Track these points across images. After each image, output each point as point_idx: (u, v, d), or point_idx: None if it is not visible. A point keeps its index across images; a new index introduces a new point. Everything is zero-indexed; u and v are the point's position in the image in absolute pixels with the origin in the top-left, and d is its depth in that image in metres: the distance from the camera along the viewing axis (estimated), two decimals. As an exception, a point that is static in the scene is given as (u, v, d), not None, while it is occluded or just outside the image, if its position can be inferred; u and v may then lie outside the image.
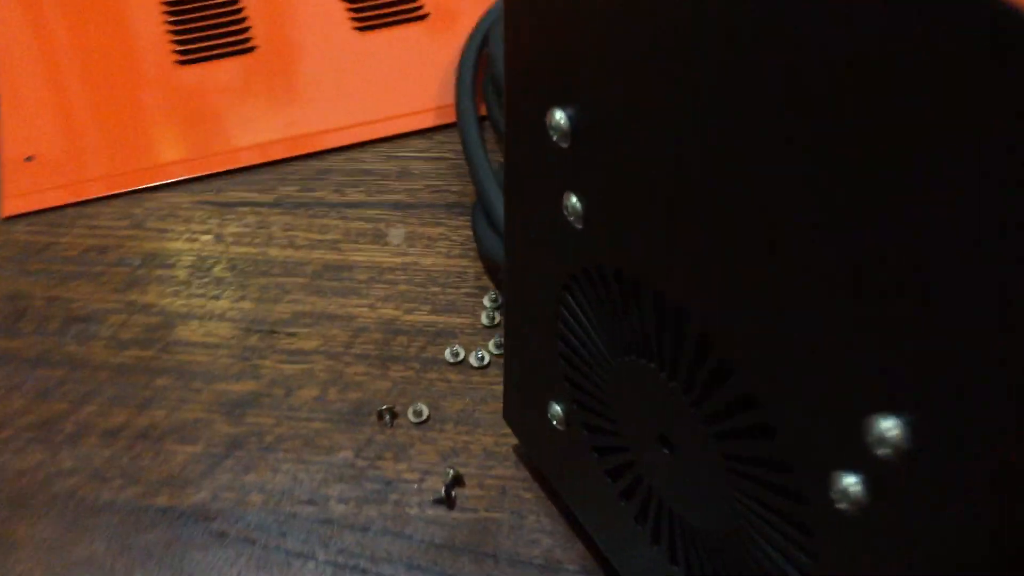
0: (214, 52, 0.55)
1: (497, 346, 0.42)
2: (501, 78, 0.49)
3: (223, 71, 0.54)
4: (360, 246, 0.46)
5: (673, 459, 0.27)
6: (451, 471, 0.38)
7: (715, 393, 0.24)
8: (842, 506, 0.21)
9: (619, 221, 0.25)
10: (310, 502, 0.38)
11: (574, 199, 0.26)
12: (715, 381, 0.24)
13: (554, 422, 0.33)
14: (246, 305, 0.44)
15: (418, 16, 0.57)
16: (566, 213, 0.27)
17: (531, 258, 0.30)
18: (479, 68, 0.52)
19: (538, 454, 0.37)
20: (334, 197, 0.49)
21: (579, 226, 0.27)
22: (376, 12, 0.57)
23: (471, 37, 0.53)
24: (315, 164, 0.50)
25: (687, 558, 0.29)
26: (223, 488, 0.38)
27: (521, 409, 0.36)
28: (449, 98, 0.52)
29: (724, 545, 0.27)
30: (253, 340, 0.43)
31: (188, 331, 0.43)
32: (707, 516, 0.27)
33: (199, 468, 0.39)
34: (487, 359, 0.42)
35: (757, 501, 0.24)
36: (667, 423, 0.27)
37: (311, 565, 0.36)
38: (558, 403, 0.33)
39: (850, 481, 0.21)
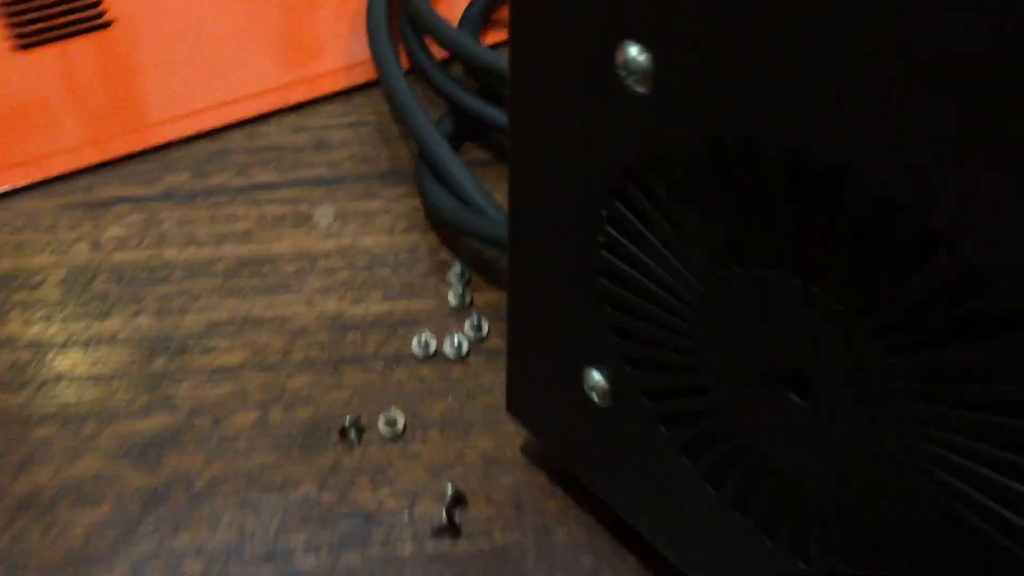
0: (62, 32, 0.45)
1: (474, 327, 0.34)
2: (423, 14, 0.41)
3: (75, 52, 0.44)
4: (280, 232, 0.38)
5: (812, 408, 0.19)
6: (449, 488, 0.30)
7: (912, 280, 0.16)
8: None
9: (723, 67, 0.17)
10: (268, 557, 0.29)
11: (634, 51, 0.19)
12: (912, 265, 0.16)
13: (593, 396, 0.25)
14: (144, 321, 0.35)
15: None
16: (623, 74, 0.19)
17: (555, 162, 0.22)
18: (392, 13, 0.43)
19: (564, 448, 0.28)
20: (238, 180, 0.39)
21: (643, 89, 0.19)
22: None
23: (377, -18, 0.44)
24: (207, 146, 0.41)
25: (825, 551, 0.21)
26: (146, 558, 0.29)
27: (537, 392, 0.28)
28: (362, 54, 0.44)
29: (907, 520, 0.19)
30: (159, 363, 0.33)
31: (69, 363, 0.34)
32: (879, 482, 0.19)
33: (110, 536, 0.29)
34: (466, 346, 0.34)
35: (992, 437, 0.17)
36: (804, 355, 0.19)
37: (284, 642, 0.27)
38: (599, 370, 0.25)
39: None
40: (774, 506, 0.22)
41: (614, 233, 0.21)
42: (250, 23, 0.46)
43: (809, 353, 0.19)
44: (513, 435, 0.31)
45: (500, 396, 0.32)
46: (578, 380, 0.25)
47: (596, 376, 0.25)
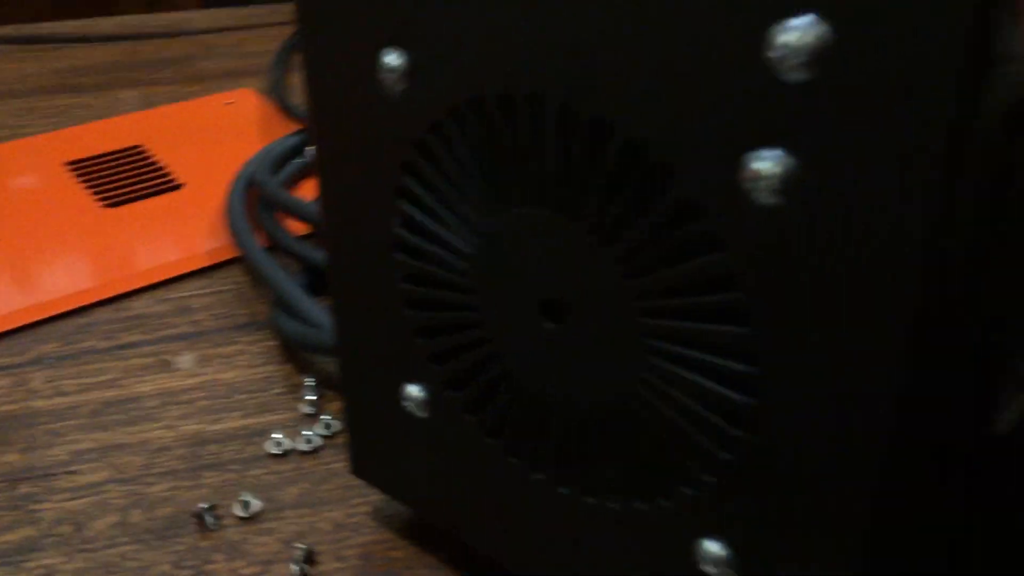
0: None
1: (326, 427, 0.38)
2: (275, 198, 0.48)
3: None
4: (144, 378, 0.41)
5: (565, 331, 0.24)
6: (300, 547, 0.32)
7: (647, 207, 0.22)
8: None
9: (478, 33, 0.24)
10: (126, 627, 0.30)
11: (391, 58, 0.25)
12: (645, 195, 0.22)
13: (413, 410, 0.29)
14: (10, 458, 0.37)
15: (171, 187, 0.55)
16: (383, 73, 0.25)
17: (352, 186, 0.28)
18: (247, 206, 0.50)
19: (406, 488, 0.32)
20: (104, 344, 0.44)
21: (401, 87, 0.25)
22: (121, 189, 0.55)
23: (235, 181, 0.52)
24: (76, 321, 0.45)
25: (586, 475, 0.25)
26: (3, 646, 0.30)
27: (372, 436, 0.32)
28: (219, 239, 0.50)
29: (623, 420, 0.24)
30: (24, 489, 0.36)
31: (-65, 500, 0.36)
32: (608, 387, 0.24)
33: (-34, 633, 0.30)
34: (317, 442, 0.37)
35: (689, 338, 0.22)
36: (563, 284, 0.24)
37: None
38: (413, 384, 0.29)
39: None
40: (566, 444, 0.26)
41: (406, 207, 0.27)
42: (111, 234, 0.52)
43: (567, 281, 0.24)
44: (362, 505, 0.34)
45: (351, 478, 0.36)
46: (398, 403, 0.30)
47: (410, 389, 0.29)
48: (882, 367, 0.19)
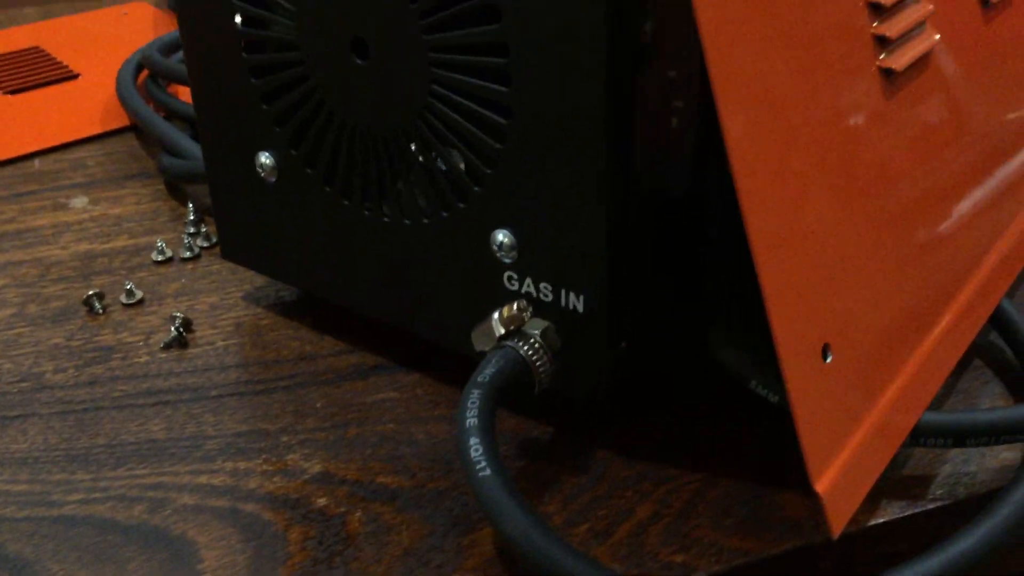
0: None
1: (205, 238, 0.43)
2: (160, 66, 0.52)
3: None
4: (39, 215, 0.46)
5: (370, 66, 0.30)
6: (178, 316, 0.37)
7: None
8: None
9: None
10: (22, 380, 0.35)
11: None
12: None
13: (265, 175, 0.34)
14: (-86, 277, 0.42)
15: (69, 76, 0.60)
16: None
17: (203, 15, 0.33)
18: (137, 79, 0.55)
19: (266, 259, 0.37)
20: (4, 193, 0.48)
21: None
22: (20, 78, 0.59)
23: (126, 62, 0.56)
24: (-24, 179, 0.49)
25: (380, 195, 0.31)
26: (-89, 402, 0.34)
27: (238, 220, 0.37)
28: (115, 119, 0.54)
29: (411, 138, 0.29)
30: (-72, 297, 0.40)
31: None
32: (401, 111, 0.29)
33: None
34: (198, 251, 0.42)
35: (459, 60, 0.28)
36: (369, 27, 0.29)
37: (33, 420, 0.33)
38: (264, 152, 0.34)
39: None
40: (359, 169, 0.31)
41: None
42: (12, 116, 0.56)
43: (371, 23, 0.29)
44: (236, 292, 0.40)
45: (226, 273, 0.41)
46: (254, 172, 0.35)
47: (263, 158, 0.34)
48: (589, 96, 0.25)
